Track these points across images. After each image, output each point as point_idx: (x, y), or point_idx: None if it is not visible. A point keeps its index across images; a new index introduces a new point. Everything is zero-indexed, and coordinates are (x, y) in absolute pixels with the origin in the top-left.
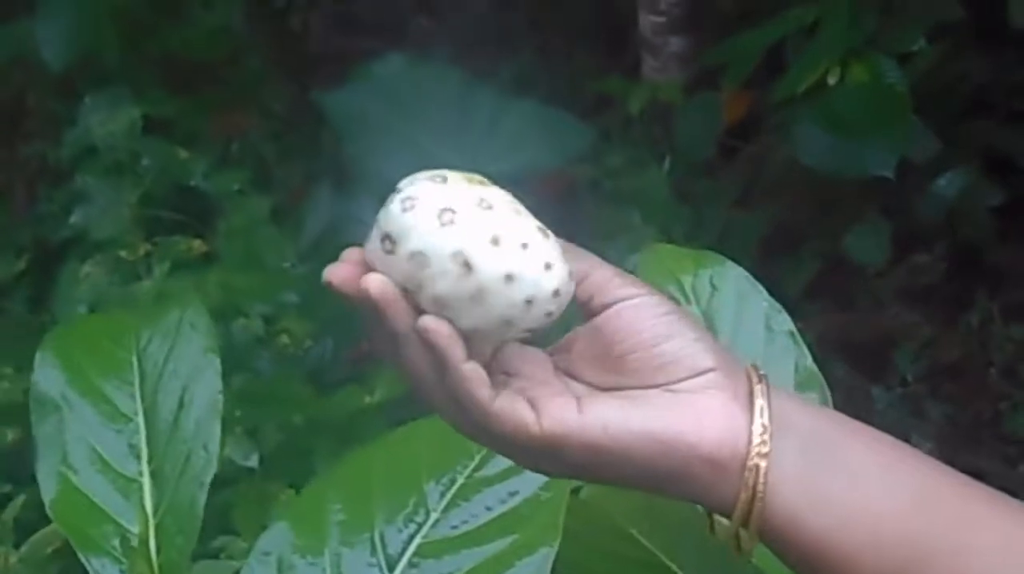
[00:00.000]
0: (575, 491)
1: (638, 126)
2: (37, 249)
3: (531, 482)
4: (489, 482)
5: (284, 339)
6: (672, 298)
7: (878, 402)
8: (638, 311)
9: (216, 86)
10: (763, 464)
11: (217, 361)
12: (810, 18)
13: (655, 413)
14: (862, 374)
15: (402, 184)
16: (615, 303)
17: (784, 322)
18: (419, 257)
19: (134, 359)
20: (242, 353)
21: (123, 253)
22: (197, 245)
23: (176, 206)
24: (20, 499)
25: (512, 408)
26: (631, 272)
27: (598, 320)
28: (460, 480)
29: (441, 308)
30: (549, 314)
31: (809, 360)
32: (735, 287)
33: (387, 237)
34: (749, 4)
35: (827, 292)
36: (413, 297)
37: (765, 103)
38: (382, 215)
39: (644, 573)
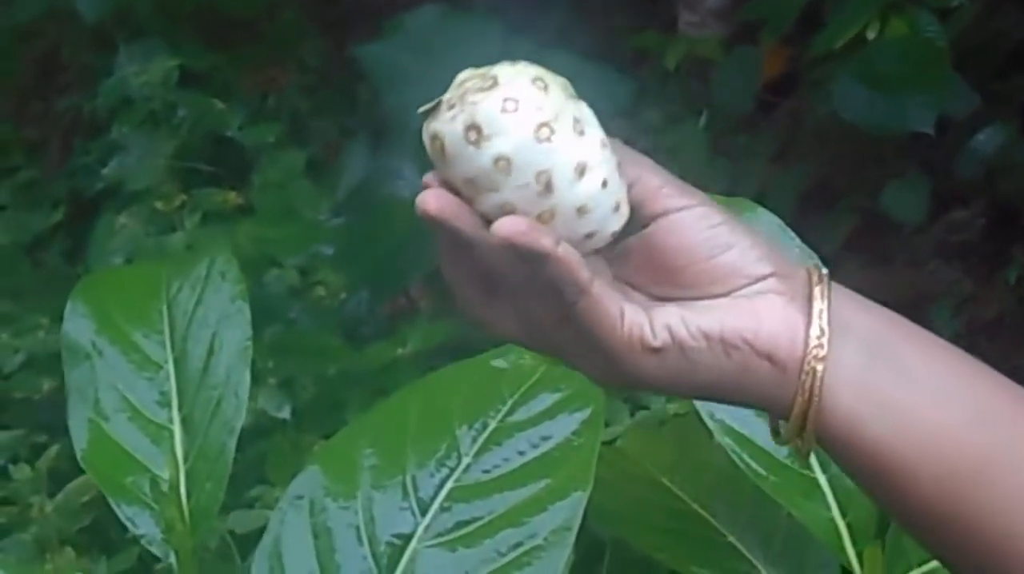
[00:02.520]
0: (609, 442)
1: (675, 82)
2: (73, 201)
3: (563, 427)
4: (521, 427)
5: (319, 291)
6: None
7: None
8: (689, 223)
9: (251, 40)
10: (820, 367)
11: (246, 308)
12: None
13: (714, 316)
14: None
15: (497, 70)
16: (664, 214)
17: None
18: (503, 162)
19: (164, 307)
20: (275, 304)
21: (158, 204)
22: (232, 197)
23: (211, 158)
24: (54, 449)
25: (605, 293)
26: None
27: (649, 232)
28: (492, 425)
29: (503, 215)
30: (596, 251)
31: None
32: (766, 233)
33: (475, 127)
34: None
35: (865, 248)
36: (472, 194)
37: (804, 58)
38: (476, 101)
39: (675, 521)
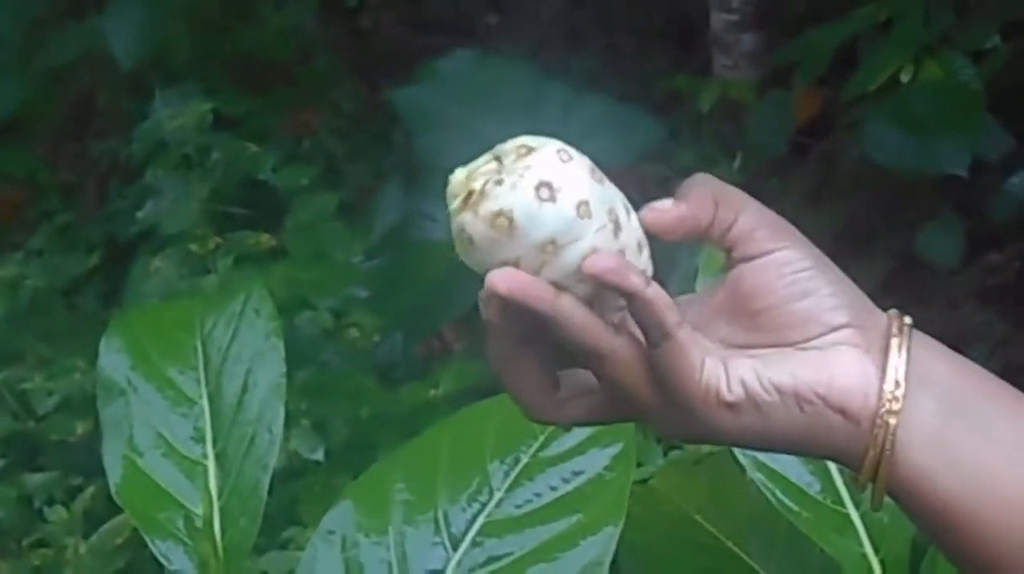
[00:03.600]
0: (642, 482)
1: (708, 124)
2: (109, 245)
3: (595, 462)
4: (553, 462)
5: (353, 333)
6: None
7: None
8: (776, 268)
9: (287, 85)
10: (892, 421)
11: (280, 345)
12: (883, 15)
13: (786, 369)
14: None
15: (518, 140)
16: (754, 258)
17: None
18: (584, 206)
19: (198, 344)
20: (309, 346)
21: (193, 247)
22: (265, 239)
23: (245, 201)
24: (89, 491)
25: (690, 341)
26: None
27: (736, 274)
28: (524, 459)
29: (580, 269)
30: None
31: None
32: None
33: (546, 184)
34: (821, 1)
35: (899, 291)
36: (545, 258)
37: (837, 101)
38: (532, 164)
39: (708, 558)
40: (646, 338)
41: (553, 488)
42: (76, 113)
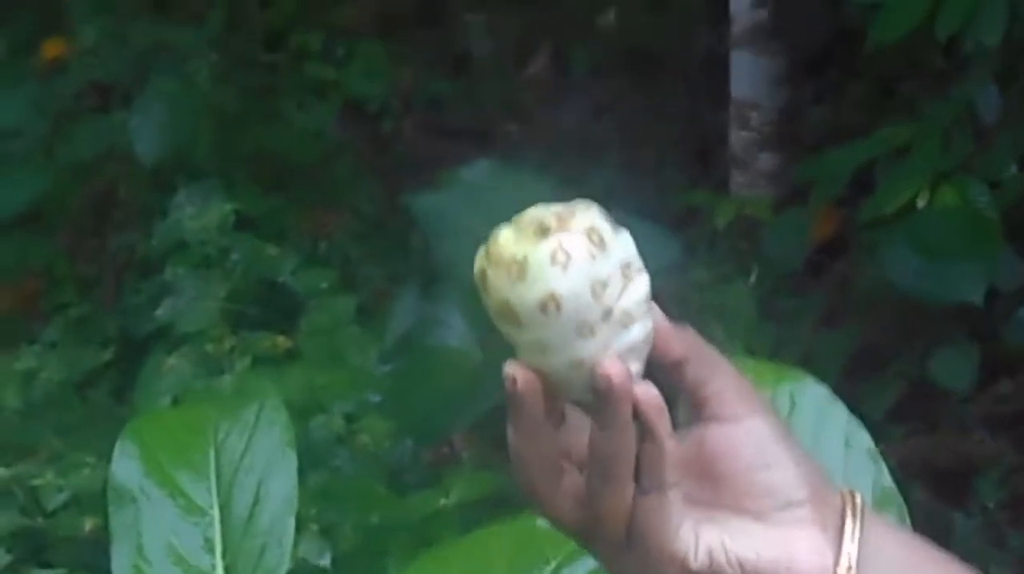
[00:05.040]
0: None
1: (724, 241)
2: (123, 340)
3: None
4: None
5: (364, 438)
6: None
7: (958, 529)
8: (744, 435)
9: (307, 186)
10: None
11: (294, 457)
12: (902, 139)
13: (751, 546)
14: (943, 499)
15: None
16: (723, 422)
17: (863, 440)
18: (632, 268)
19: (211, 452)
20: (320, 450)
21: (209, 347)
22: (281, 341)
23: (263, 302)
24: None
25: (676, 501)
26: None
27: (702, 432)
28: None
29: (622, 324)
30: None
31: (888, 479)
32: (815, 403)
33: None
34: (841, 123)
35: (912, 415)
36: (626, 281)
37: (854, 222)
38: (618, 237)
39: None
40: (638, 480)
41: None
42: (97, 206)
